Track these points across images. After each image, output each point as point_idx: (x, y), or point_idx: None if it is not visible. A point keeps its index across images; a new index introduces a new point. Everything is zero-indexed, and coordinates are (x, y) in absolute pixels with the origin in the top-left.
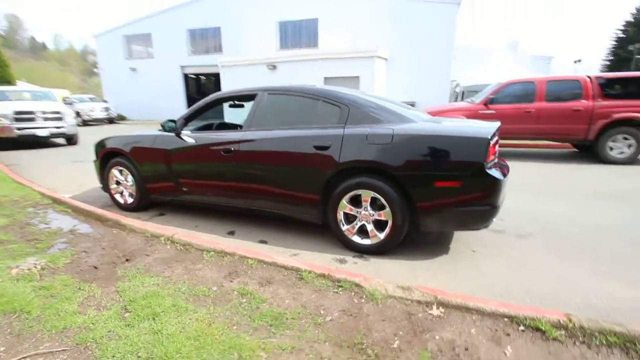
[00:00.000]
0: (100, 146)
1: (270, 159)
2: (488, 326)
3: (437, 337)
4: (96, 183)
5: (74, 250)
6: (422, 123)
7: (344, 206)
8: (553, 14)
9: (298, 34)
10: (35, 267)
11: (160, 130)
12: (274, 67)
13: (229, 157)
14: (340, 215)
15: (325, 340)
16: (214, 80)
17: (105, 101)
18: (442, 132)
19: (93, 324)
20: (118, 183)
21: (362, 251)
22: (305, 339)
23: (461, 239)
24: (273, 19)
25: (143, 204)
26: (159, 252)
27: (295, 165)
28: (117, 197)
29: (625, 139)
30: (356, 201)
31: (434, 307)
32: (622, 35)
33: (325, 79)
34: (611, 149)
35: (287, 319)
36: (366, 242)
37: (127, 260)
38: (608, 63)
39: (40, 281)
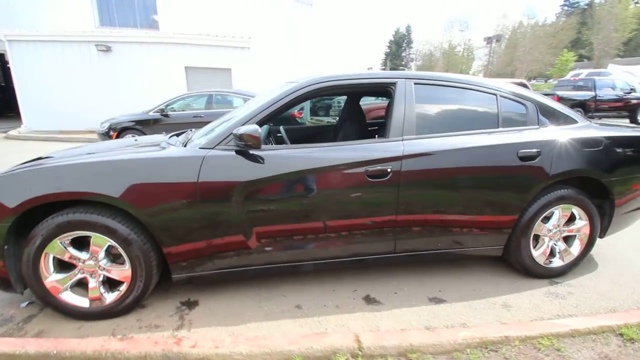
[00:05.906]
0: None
1: (458, 177)
2: None
3: None
4: None
5: None
6: (597, 124)
7: (539, 227)
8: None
9: (128, 8)
10: None
11: (192, 145)
12: (108, 48)
13: (381, 182)
14: (531, 238)
15: None
16: None
17: None
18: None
19: None
20: (68, 267)
21: (550, 276)
22: None
23: None
24: None
25: (145, 293)
26: None
27: (496, 183)
28: (67, 296)
29: None
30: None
31: None
32: (388, 50)
33: (187, 68)
34: None
35: None
36: (557, 264)
37: None
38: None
39: None
